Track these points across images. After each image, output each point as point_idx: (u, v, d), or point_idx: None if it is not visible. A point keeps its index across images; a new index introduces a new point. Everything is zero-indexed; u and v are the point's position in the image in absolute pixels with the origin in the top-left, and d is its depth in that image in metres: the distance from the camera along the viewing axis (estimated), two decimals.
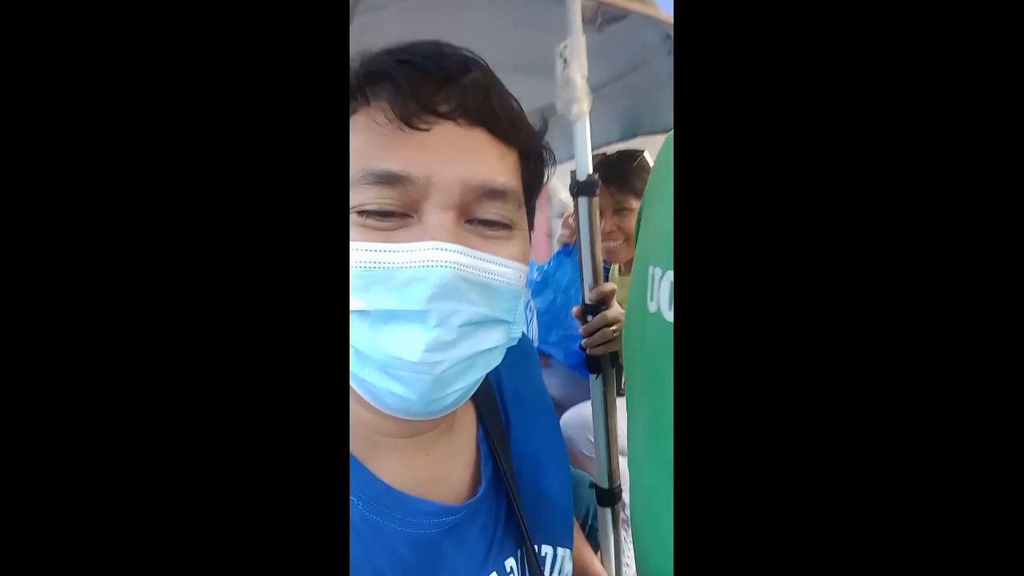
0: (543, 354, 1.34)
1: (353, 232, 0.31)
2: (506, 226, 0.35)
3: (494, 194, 0.33)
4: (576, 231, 0.72)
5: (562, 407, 1.39)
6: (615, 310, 0.71)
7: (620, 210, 1.07)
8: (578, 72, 0.65)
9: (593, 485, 0.83)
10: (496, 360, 0.38)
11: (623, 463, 0.71)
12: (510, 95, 0.37)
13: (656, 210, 0.52)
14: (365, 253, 0.31)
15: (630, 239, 1.07)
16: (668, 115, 1.10)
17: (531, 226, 0.41)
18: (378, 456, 0.38)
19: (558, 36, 0.64)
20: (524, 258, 0.36)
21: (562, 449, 0.54)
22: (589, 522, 0.94)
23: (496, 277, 0.33)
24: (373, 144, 0.31)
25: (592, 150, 0.66)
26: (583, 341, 0.73)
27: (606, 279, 1.19)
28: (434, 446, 0.42)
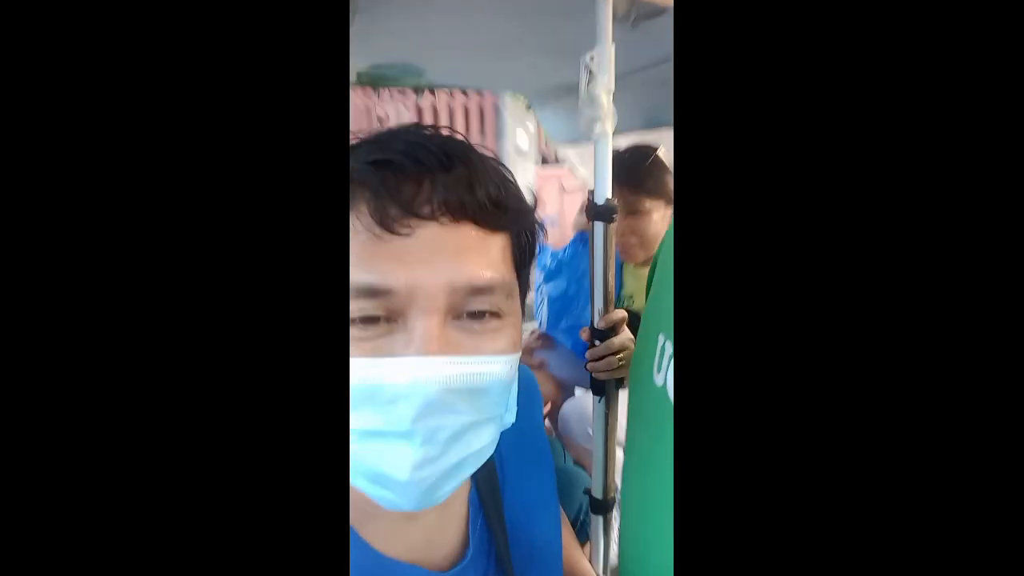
0: (550, 337, 1.34)
1: None
2: (496, 315, 0.33)
3: (481, 290, 0.32)
4: (591, 253, 0.69)
5: (566, 389, 1.40)
6: (623, 337, 0.69)
7: (633, 212, 1.02)
8: (604, 88, 0.59)
9: (588, 492, 0.84)
10: (489, 452, 0.36)
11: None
12: (496, 171, 0.35)
13: (670, 274, 0.48)
14: (353, 371, 0.30)
15: (643, 239, 1.03)
16: None
17: (524, 293, 0.39)
18: (368, 524, 0.38)
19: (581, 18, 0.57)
20: (515, 347, 0.35)
21: (553, 492, 0.54)
22: (581, 519, 0.97)
23: (485, 377, 0.32)
24: (355, 254, 0.30)
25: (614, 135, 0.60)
26: (588, 365, 0.72)
27: (620, 275, 1.17)
28: (426, 513, 0.41)
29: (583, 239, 1.26)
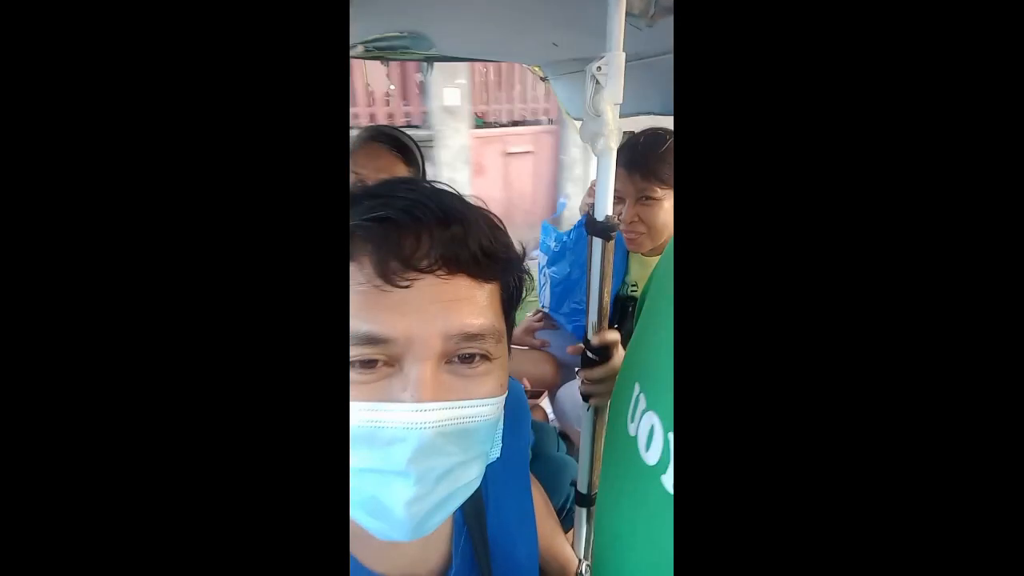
0: (552, 318, 1.34)
1: None
2: (485, 358, 0.36)
3: (472, 336, 0.34)
4: (588, 266, 0.67)
5: (566, 369, 1.41)
6: (617, 361, 0.68)
7: (643, 198, 0.98)
8: (610, 101, 0.55)
9: (574, 483, 0.87)
10: (475, 486, 0.39)
11: None
12: (488, 224, 0.37)
13: (655, 321, 0.47)
14: (353, 414, 0.33)
15: (651, 229, 1.00)
16: None
17: (510, 333, 0.42)
18: (358, 543, 0.41)
19: None
20: (502, 388, 0.38)
21: (530, 509, 0.56)
22: (567, 507, 1.00)
23: (474, 420, 0.35)
24: (356, 304, 0.32)
25: (627, 115, 0.57)
26: (582, 383, 0.72)
27: (625, 262, 1.14)
28: None
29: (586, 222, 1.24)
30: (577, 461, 1.10)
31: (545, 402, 1.28)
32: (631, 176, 0.98)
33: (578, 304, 1.24)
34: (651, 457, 0.42)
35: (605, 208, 0.62)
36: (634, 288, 1.16)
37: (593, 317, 0.68)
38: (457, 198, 0.37)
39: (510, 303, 0.40)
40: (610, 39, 0.54)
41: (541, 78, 1.31)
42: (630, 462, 0.45)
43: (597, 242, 0.64)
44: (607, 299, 0.67)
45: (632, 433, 0.45)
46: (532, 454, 1.01)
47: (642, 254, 1.09)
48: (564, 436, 1.18)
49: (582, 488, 0.83)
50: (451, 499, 0.37)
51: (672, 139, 0.97)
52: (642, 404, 0.44)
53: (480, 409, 0.35)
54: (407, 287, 0.32)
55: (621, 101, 0.56)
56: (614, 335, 0.68)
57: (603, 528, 0.53)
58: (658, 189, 0.97)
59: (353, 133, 1.02)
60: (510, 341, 0.41)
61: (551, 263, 1.27)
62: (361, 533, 0.39)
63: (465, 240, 0.34)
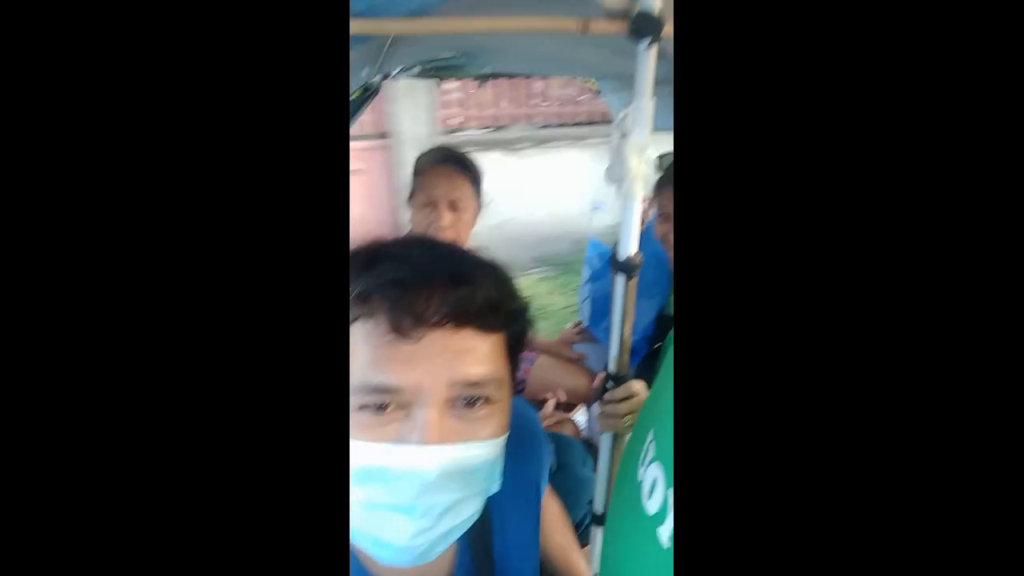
0: (591, 331, 1.34)
1: (353, 429, 0.36)
2: (487, 401, 0.39)
3: (476, 384, 0.38)
4: (611, 302, 0.68)
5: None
6: (633, 402, 0.69)
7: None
8: (636, 150, 0.56)
9: (591, 503, 0.89)
10: (475, 519, 0.42)
11: None
12: (494, 277, 0.40)
13: (671, 378, 0.48)
14: (364, 454, 0.36)
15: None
16: None
17: (514, 377, 0.44)
18: (367, 560, 0.44)
19: None
20: (503, 429, 0.41)
21: (536, 533, 0.58)
22: (585, 523, 1.02)
23: (476, 460, 0.38)
24: (372, 357, 0.36)
25: (659, 131, 0.57)
26: (600, 414, 0.73)
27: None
28: None
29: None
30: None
31: (580, 416, 1.30)
32: (667, 195, 0.97)
33: None
34: (652, 506, 0.44)
35: (628, 248, 0.63)
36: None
37: (614, 351, 0.70)
38: (468, 256, 0.41)
39: (514, 349, 0.43)
40: (638, 88, 0.55)
41: (595, 91, 1.31)
42: (632, 506, 0.47)
43: (620, 279, 0.65)
44: (628, 334, 0.68)
45: (640, 478, 0.47)
46: (557, 466, 1.03)
47: None
48: (593, 451, 1.19)
49: (598, 509, 0.85)
50: (452, 533, 0.40)
51: None
52: (651, 452, 0.46)
53: (481, 450, 0.38)
54: (418, 340, 0.36)
55: (647, 145, 0.57)
56: (638, 386, 0.69)
57: (605, 553, 0.55)
58: None
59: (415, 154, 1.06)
60: (514, 383, 0.44)
61: (593, 279, 1.28)
62: (366, 556, 0.43)
63: (473, 297, 0.37)
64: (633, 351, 1.21)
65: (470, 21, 0.49)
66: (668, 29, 0.52)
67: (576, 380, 1.34)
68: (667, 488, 0.42)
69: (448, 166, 1.01)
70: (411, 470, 0.35)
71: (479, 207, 1.03)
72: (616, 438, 0.76)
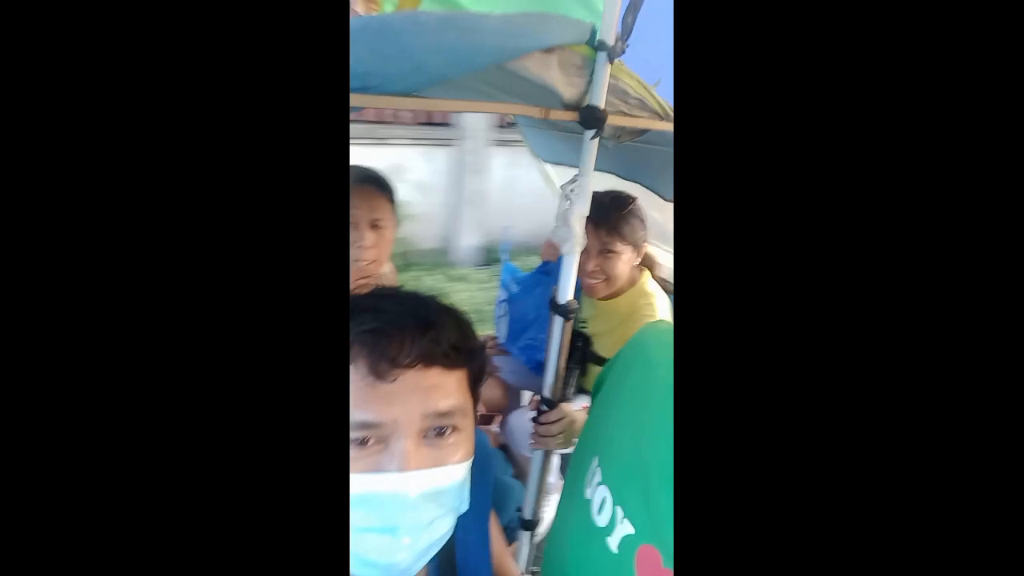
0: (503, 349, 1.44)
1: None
2: (456, 430, 0.45)
3: (445, 415, 0.44)
4: (548, 339, 0.79)
5: (514, 392, 1.53)
6: (564, 422, 0.80)
7: (605, 251, 1.10)
8: (578, 216, 0.67)
9: (519, 510, 0.99)
10: (448, 535, 0.48)
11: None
12: (456, 321, 0.46)
13: (617, 400, 0.57)
14: (351, 484, 0.40)
15: (610, 278, 1.13)
16: (668, 189, 1.10)
17: (476, 403, 0.51)
18: None
19: None
20: (469, 454, 0.47)
21: (487, 540, 0.65)
22: (512, 526, 1.12)
23: (448, 482, 0.44)
24: (354, 397, 0.41)
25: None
26: (535, 435, 0.83)
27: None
28: None
29: (545, 269, 1.35)
30: (521, 483, 1.22)
31: (496, 426, 1.39)
32: (596, 231, 1.08)
33: (532, 340, 1.35)
34: (601, 520, 0.54)
35: (567, 294, 0.74)
36: (583, 324, 1.29)
37: (550, 379, 0.80)
38: (432, 304, 0.47)
39: (475, 382, 0.50)
40: (583, 166, 0.66)
41: (509, 123, 1.40)
42: (582, 519, 0.57)
43: (558, 321, 0.75)
44: (563, 366, 0.79)
45: (588, 496, 0.57)
46: None
47: (596, 299, 1.22)
48: (510, 459, 1.30)
49: (527, 515, 0.96)
50: (430, 550, 0.45)
51: (634, 203, 1.10)
52: (598, 476, 0.56)
53: (453, 473, 0.44)
54: (393, 381, 0.41)
55: (588, 214, 0.68)
56: (568, 408, 0.80)
57: (551, 559, 0.65)
58: (619, 243, 1.09)
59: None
60: (475, 411, 0.51)
61: (511, 301, 1.38)
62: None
63: (438, 340, 0.44)
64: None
65: (452, 103, 0.55)
66: (611, 121, 0.63)
67: (492, 392, 1.43)
68: (615, 505, 0.53)
69: (367, 186, 1.00)
70: (393, 494, 0.41)
71: (396, 224, 1.04)
72: (546, 455, 0.87)
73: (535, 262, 1.38)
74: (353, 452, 0.41)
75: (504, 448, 1.34)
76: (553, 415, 0.81)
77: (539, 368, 1.33)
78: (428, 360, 0.43)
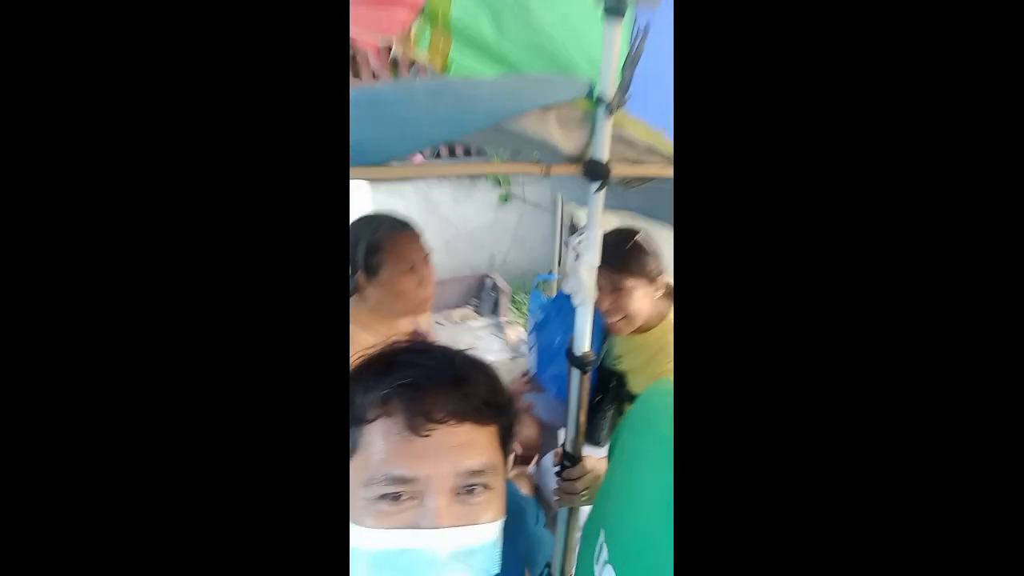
0: (538, 381, 1.42)
1: (368, 518, 0.40)
2: (486, 487, 0.44)
3: (476, 473, 0.43)
4: (567, 391, 0.76)
5: (549, 430, 1.49)
6: (589, 477, 0.77)
7: (617, 290, 1.07)
8: (588, 269, 0.65)
9: (548, 567, 0.95)
10: None
11: None
12: (487, 377, 0.47)
13: (628, 471, 0.55)
14: (382, 539, 0.40)
15: (629, 316, 1.09)
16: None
17: (507, 460, 0.50)
18: None
19: None
20: (501, 513, 0.46)
21: None
22: None
23: (477, 542, 0.43)
24: (389, 451, 0.42)
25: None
26: (558, 491, 0.80)
27: (604, 342, 1.23)
28: None
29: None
30: (552, 534, 1.18)
31: (532, 467, 1.36)
32: (605, 270, 1.06)
33: (559, 371, 1.32)
34: None
35: (582, 345, 0.71)
36: (617, 361, 1.25)
37: (571, 433, 0.78)
38: (465, 359, 0.47)
39: (506, 438, 0.49)
40: (591, 220, 0.64)
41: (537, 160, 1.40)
42: None
43: (576, 375, 0.73)
44: (584, 421, 0.76)
45: (597, 575, 0.54)
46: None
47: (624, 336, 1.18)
48: (544, 505, 1.26)
49: (556, 574, 0.92)
50: None
51: (637, 236, 1.07)
52: (604, 554, 0.53)
53: (483, 534, 0.44)
54: (428, 436, 0.42)
55: (597, 265, 0.66)
56: (592, 463, 0.77)
57: None
58: (629, 279, 1.06)
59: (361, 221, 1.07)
60: (506, 469, 0.50)
61: (538, 329, 1.36)
62: None
63: (469, 396, 0.44)
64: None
65: (455, 167, 0.55)
66: (617, 171, 0.62)
67: (528, 431, 1.40)
68: None
69: (407, 230, 1.03)
70: (424, 551, 0.41)
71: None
72: (571, 512, 0.83)
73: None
74: (387, 507, 0.41)
75: (538, 492, 1.31)
76: (576, 471, 0.78)
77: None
78: (460, 416, 0.43)
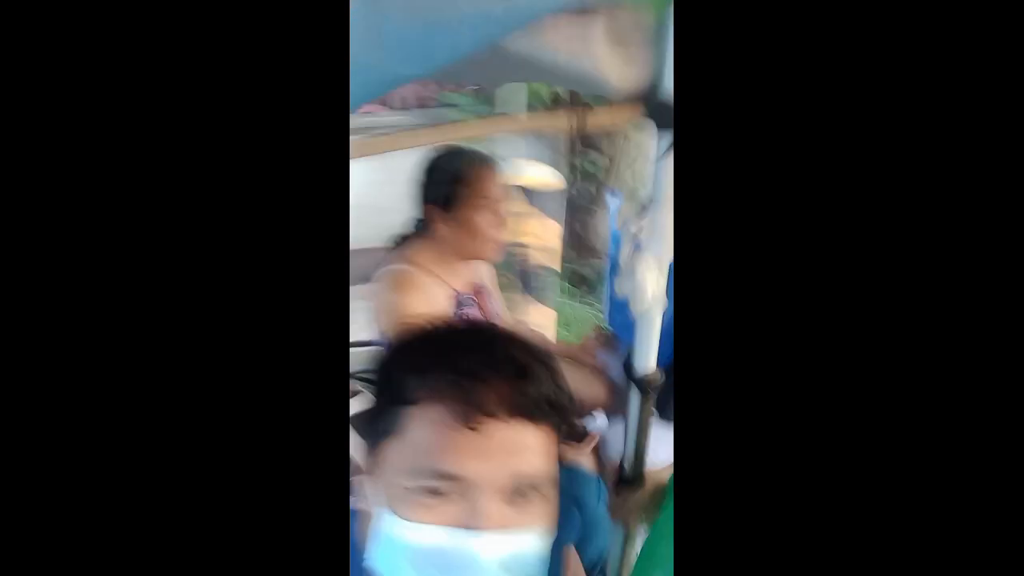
0: (612, 337, 1.27)
1: (406, 508, 0.38)
2: (540, 495, 0.40)
3: (532, 479, 0.39)
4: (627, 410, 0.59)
5: (620, 391, 1.35)
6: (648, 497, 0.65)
7: None
8: (653, 265, 0.44)
9: (603, 567, 0.86)
10: None
11: None
12: (551, 372, 0.41)
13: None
14: (421, 534, 0.37)
15: None
16: None
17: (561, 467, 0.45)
18: None
19: None
20: (551, 520, 0.42)
21: None
22: (599, 568, 1.00)
23: (526, 551, 0.39)
24: (437, 443, 0.37)
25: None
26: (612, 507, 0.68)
27: None
28: None
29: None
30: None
31: (598, 425, 1.25)
32: None
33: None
34: None
35: (645, 364, 0.53)
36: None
37: (630, 454, 0.63)
38: (529, 351, 0.41)
39: (564, 440, 0.44)
40: (657, 196, 0.41)
41: None
42: None
43: (635, 394, 0.55)
44: (645, 443, 0.60)
45: None
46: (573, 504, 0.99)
47: None
48: (606, 480, 1.15)
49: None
50: None
51: None
52: None
53: (532, 542, 0.39)
54: (478, 430, 0.37)
55: (672, 261, 0.44)
56: (651, 484, 0.65)
57: None
58: None
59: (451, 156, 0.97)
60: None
61: (612, 270, 1.19)
62: None
63: (533, 392, 0.39)
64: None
65: (480, 124, 0.36)
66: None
67: (593, 388, 1.28)
68: None
69: (491, 163, 0.93)
70: (467, 554, 0.38)
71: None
72: (627, 536, 0.71)
73: None
74: (429, 500, 0.38)
75: (601, 466, 1.20)
76: (632, 501, 0.64)
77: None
78: (517, 411, 0.39)
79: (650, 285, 0.45)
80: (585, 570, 0.87)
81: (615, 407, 1.29)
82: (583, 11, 0.35)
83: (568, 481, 0.44)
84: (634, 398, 0.57)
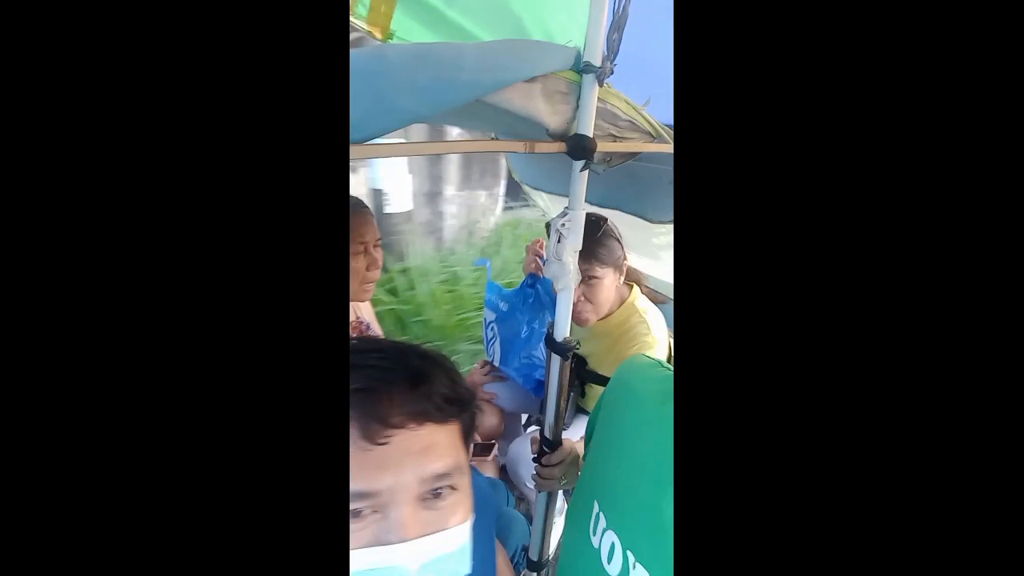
0: (498, 368, 1.39)
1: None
2: (453, 489, 0.41)
3: (443, 476, 0.40)
4: (546, 377, 0.74)
5: (512, 418, 1.48)
6: (569, 460, 0.76)
7: (587, 279, 1.06)
8: (571, 251, 0.63)
9: (525, 549, 0.94)
10: None
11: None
12: (446, 371, 0.42)
13: (609, 442, 0.53)
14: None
15: (596, 304, 1.08)
16: (652, 211, 1.06)
17: (468, 457, 0.47)
18: None
19: None
20: (469, 512, 0.44)
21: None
22: (515, 560, 1.08)
23: (449, 548, 0.40)
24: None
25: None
26: (537, 477, 0.79)
27: None
28: None
29: (530, 283, 1.30)
30: (522, 515, 1.18)
31: (492, 456, 1.34)
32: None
33: (528, 359, 1.30)
34: (613, 569, 0.51)
35: (564, 331, 0.69)
36: (576, 346, 1.25)
37: (550, 419, 0.76)
38: (419, 354, 0.43)
39: (468, 433, 0.47)
40: (573, 200, 0.61)
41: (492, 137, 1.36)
42: (593, 569, 0.52)
43: (556, 360, 0.71)
44: (564, 407, 0.74)
45: (595, 545, 0.53)
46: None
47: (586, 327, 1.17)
48: (513, 487, 1.25)
49: (533, 555, 0.91)
50: None
51: (606, 224, 1.06)
52: (602, 522, 0.52)
53: (453, 536, 0.41)
54: (386, 443, 0.38)
55: (580, 249, 0.63)
56: (569, 446, 0.76)
57: None
58: (598, 268, 1.06)
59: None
60: (469, 465, 0.47)
61: (500, 321, 1.33)
62: None
63: (429, 395, 0.40)
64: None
65: (433, 145, 0.50)
66: (601, 147, 0.59)
67: (488, 420, 1.38)
68: (624, 550, 0.49)
69: (362, 210, 0.99)
70: (393, 567, 0.37)
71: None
72: (550, 496, 0.82)
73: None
74: (352, 524, 0.37)
75: (504, 475, 1.29)
76: (555, 457, 0.76)
77: (538, 388, 1.29)
78: (421, 417, 0.40)
79: (570, 267, 0.64)
80: (509, 559, 0.94)
81: (509, 432, 1.41)
82: (531, 79, 0.55)
83: (477, 489, 0.45)
84: (554, 365, 0.72)
